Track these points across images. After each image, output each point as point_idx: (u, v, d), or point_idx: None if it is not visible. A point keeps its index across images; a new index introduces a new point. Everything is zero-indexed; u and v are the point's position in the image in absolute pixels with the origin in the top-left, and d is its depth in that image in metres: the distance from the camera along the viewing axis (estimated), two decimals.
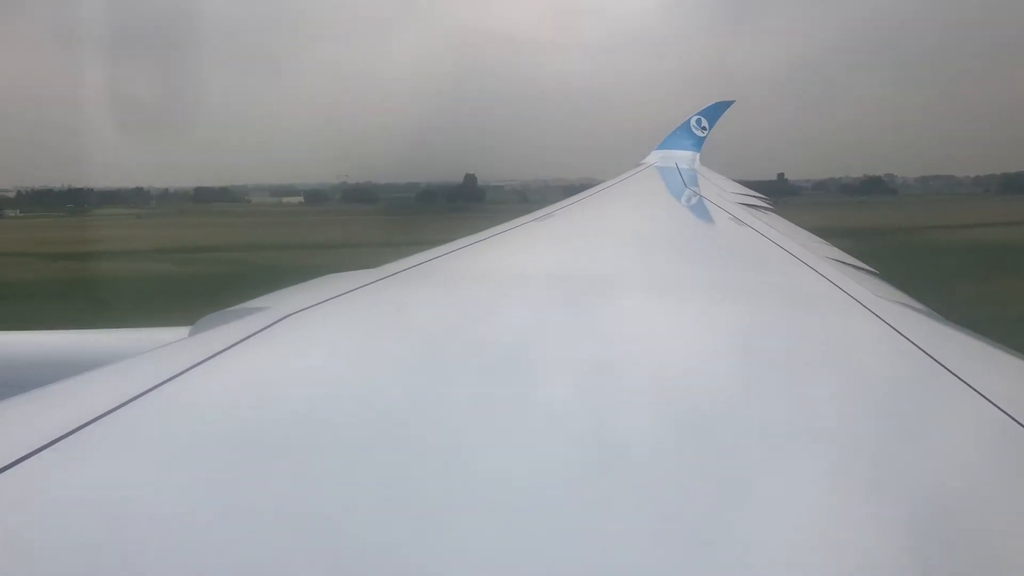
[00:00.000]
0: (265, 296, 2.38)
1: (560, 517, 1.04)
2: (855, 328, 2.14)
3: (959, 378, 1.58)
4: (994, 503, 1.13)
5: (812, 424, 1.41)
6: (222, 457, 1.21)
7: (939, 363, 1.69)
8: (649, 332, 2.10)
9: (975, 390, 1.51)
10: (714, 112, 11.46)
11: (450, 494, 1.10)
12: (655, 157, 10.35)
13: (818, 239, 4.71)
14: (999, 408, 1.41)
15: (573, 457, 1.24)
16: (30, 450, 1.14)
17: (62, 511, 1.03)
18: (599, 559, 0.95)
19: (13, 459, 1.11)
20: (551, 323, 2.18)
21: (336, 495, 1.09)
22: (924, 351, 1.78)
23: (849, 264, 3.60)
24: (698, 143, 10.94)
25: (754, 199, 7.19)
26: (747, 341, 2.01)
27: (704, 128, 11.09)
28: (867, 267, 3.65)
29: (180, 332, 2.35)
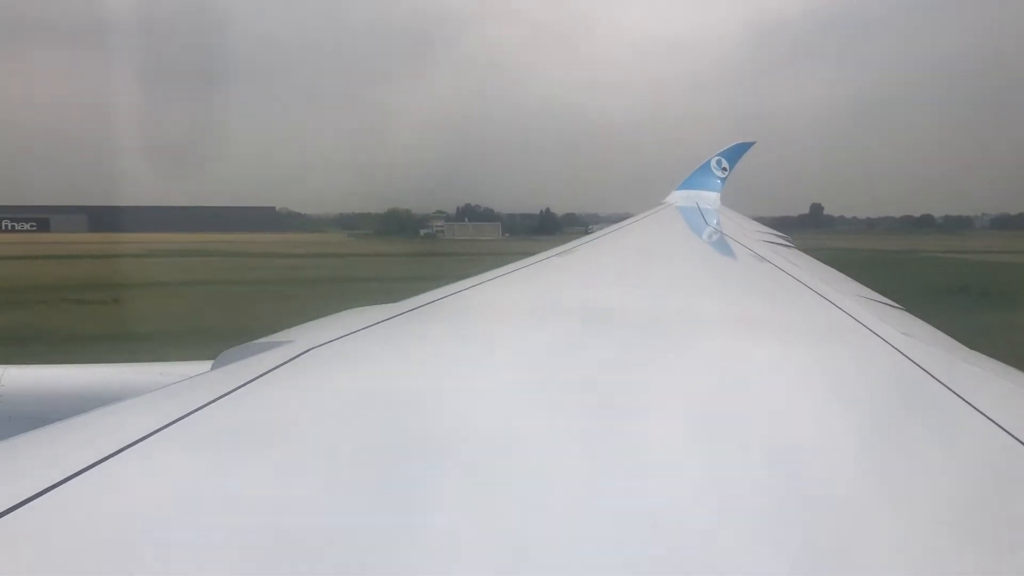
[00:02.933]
0: (288, 330, 2.39)
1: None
2: (880, 366, 2.13)
3: (975, 408, 1.61)
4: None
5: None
6: (245, 489, 1.21)
7: (958, 395, 1.72)
8: (673, 375, 2.05)
9: (994, 422, 1.53)
10: (735, 153, 11.47)
11: (483, 523, 1.08)
12: (676, 197, 10.36)
13: (842, 275, 4.66)
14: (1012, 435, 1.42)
15: (613, 487, 1.22)
16: (55, 480, 1.14)
17: (89, 540, 1.03)
18: None
19: (40, 489, 1.12)
20: (574, 357, 2.16)
21: (358, 525, 1.09)
22: (951, 390, 1.79)
23: (876, 301, 3.58)
24: (719, 184, 10.94)
25: (774, 236, 7.16)
26: (762, 380, 1.99)
27: (724, 169, 11.10)
28: (894, 304, 3.61)
29: (203, 366, 2.36)
